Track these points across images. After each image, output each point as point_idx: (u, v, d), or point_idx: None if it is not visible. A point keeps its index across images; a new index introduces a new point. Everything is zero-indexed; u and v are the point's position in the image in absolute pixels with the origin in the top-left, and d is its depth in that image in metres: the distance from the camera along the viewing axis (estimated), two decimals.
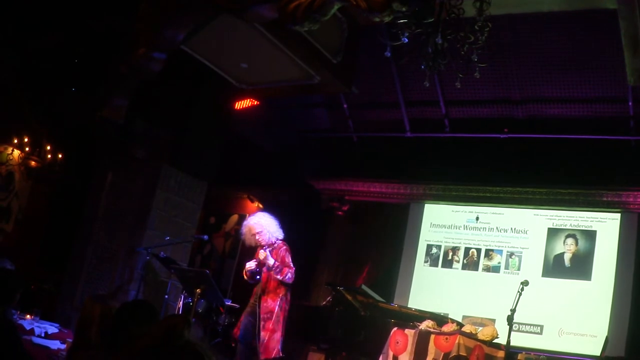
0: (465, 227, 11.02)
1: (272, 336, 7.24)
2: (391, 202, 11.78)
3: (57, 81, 9.22)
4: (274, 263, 7.31)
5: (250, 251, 7.98)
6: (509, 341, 6.90)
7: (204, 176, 9.81)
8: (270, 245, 7.50)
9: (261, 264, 7.46)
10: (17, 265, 7.45)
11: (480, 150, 10.65)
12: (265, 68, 8.93)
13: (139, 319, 3.56)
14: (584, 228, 10.16)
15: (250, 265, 7.52)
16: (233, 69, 9.16)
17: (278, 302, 7.33)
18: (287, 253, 7.50)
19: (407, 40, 5.67)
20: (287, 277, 7.32)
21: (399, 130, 11.33)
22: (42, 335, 6.56)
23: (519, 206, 10.66)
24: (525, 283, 7.03)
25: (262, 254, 7.34)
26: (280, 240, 7.61)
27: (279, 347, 7.33)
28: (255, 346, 7.34)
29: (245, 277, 7.69)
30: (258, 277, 7.59)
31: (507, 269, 10.48)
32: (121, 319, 3.67)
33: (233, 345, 7.73)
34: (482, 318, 10.05)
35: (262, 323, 7.27)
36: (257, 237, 7.55)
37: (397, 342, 7.62)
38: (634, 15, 6.48)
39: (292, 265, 7.44)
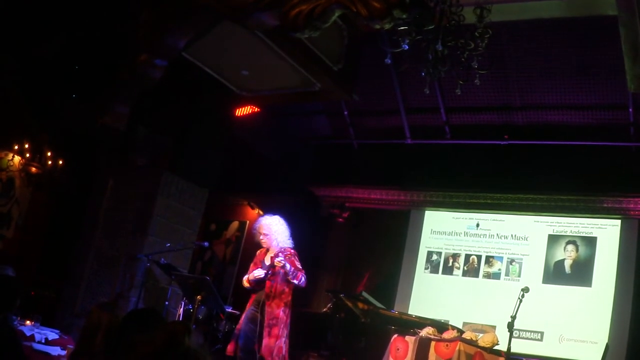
0: (466, 234, 11.03)
1: (276, 342, 7.17)
2: (391, 209, 11.79)
3: (58, 88, 9.23)
4: (290, 268, 7.24)
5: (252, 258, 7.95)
6: (509, 348, 6.90)
7: (205, 183, 9.81)
8: (280, 251, 7.42)
9: (272, 271, 7.35)
10: (17, 272, 7.46)
11: (480, 157, 10.66)
12: (266, 75, 8.94)
13: (145, 326, 3.55)
14: (584, 234, 10.16)
15: (260, 274, 7.39)
16: (234, 76, 9.17)
17: (282, 308, 7.27)
18: (296, 258, 7.46)
19: (407, 47, 5.67)
20: (302, 281, 7.32)
21: (399, 137, 11.35)
22: (43, 341, 6.55)
23: (520, 213, 10.66)
24: (525, 290, 7.04)
25: (278, 261, 7.23)
26: (289, 247, 7.55)
27: (285, 354, 7.29)
28: (255, 352, 7.30)
29: (247, 284, 7.56)
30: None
31: (508, 275, 10.47)
32: (127, 326, 3.67)
33: (232, 355, 7.61)
34: (482, 325, 10.04)
35: (267, 329, 7.18)
36: (261, 238, 7.54)
37: (398, 349, 7.62)
38: (634, 22, 6.49)
39: (302, 268, 7.43)
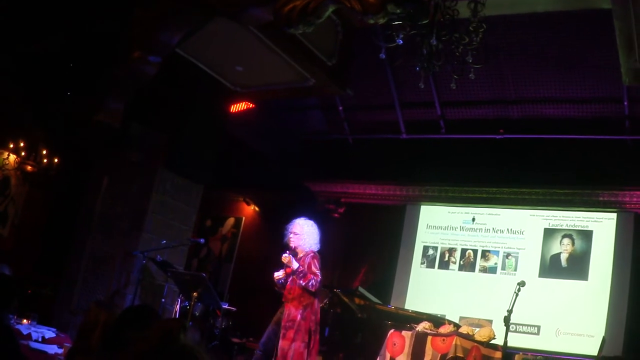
0: (462, 228, 11.03)
1: (291, 346, 7.00)
2: (387, 204, 11.79)
3: (52, 85, 9.20)
4: (298, 267, 7.14)
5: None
6: (506, 342, 6.91)
7: (200, 179, 9.80)
8: (302, 252, 7.36)
9: (288, 271, 7.29)
10: (13, 270, 7.45)
11: (476, 151, 10.65)
12: (260, 71, 8.93)
13: (141, 324, 3.53)
14: (580, 228, 10.17)
15: (279, 274, 7.35)
16: (228, 72, 9.16)
17: (301, 311, 7.11)
18: (315, 260, 7.27)
19: (401, 42, 5.67)
20: (310, 284, 7.10)
21: (394, 132, 11.34)
22: (39, 340, 6.53)
23: (515, 207, 10.68)
24: (522, 283, 7.05)
25: (285, 257, 7.20)
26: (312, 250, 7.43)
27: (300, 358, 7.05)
28: (271, 353, 7.26)
29: (276, 287, 7.51)
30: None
31: (504, 269, 10.49)
32: (123, 323, 3.66)
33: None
34: (479, 319, 10.05)
35: (283, 331, 7.09)
36: (291, 237, 7.44)
37: (394, 344, 7.62)
38: (628, 15, 6.49)
39: (318, 273, 7.19)
